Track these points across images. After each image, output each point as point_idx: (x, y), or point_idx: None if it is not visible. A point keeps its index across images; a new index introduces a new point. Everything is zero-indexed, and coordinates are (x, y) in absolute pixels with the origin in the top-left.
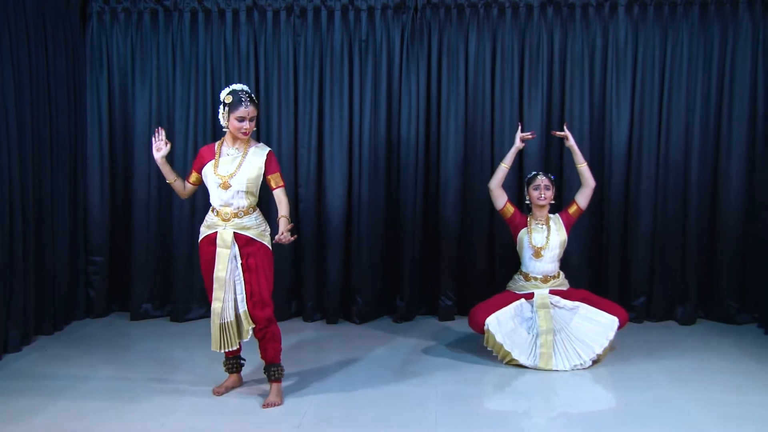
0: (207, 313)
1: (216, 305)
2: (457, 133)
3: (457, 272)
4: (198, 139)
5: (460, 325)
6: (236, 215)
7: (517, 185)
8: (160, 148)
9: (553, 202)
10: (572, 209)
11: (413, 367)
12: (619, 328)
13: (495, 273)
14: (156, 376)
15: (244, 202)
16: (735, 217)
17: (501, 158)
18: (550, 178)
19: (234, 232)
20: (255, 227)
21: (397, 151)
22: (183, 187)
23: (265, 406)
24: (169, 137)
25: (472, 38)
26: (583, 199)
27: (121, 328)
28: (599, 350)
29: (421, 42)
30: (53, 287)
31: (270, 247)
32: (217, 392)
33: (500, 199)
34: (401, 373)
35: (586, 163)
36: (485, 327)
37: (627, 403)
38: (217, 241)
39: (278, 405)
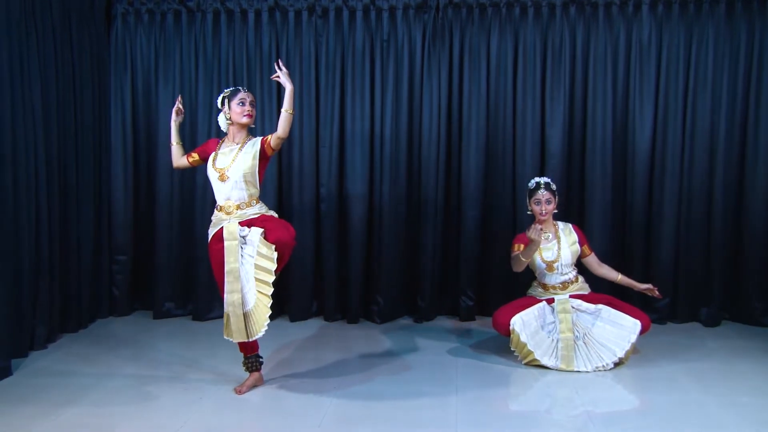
0: None
1: (235, 297)
2: (479, 133)
3: (478, 273)
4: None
5: (482, 326)
6: (239, 207)
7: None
8: (178, 113)
9: (556, 211)
10: (584, 251)
11: (434, 366)
12: (642, 333)
13: (516, 274)
14: (178, 375)
15: (244, 193)
16: (761, 218)
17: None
18: (551, 190)
19: (239, 222)
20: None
21: (418, 151)
22: (180, 155)
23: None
24: (192, 136)
25: (494, 38)
26: (597, 268)
27: (144, 327)
28: (621, 354)
29: (443, 42)
30: (78, 286)
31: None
32: (239, 391)
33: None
34: (422, 373)
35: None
36: (510, 326)
37: (650, 404)
38: (224, 234)
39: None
